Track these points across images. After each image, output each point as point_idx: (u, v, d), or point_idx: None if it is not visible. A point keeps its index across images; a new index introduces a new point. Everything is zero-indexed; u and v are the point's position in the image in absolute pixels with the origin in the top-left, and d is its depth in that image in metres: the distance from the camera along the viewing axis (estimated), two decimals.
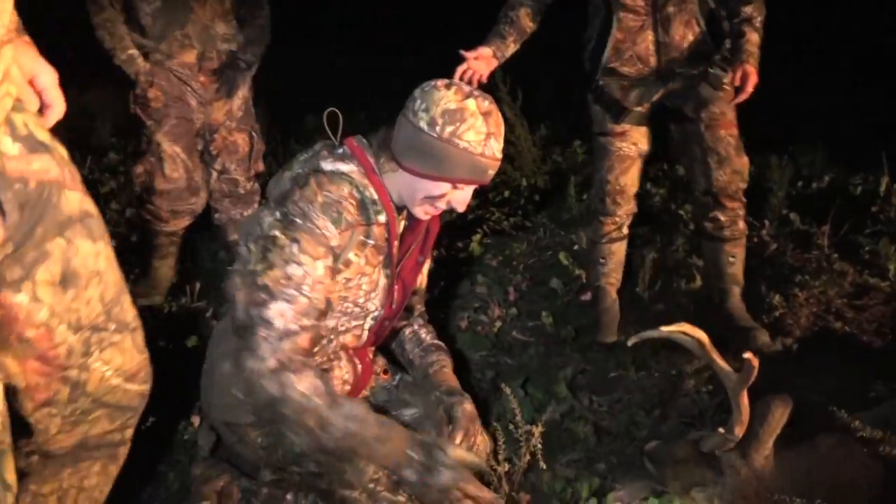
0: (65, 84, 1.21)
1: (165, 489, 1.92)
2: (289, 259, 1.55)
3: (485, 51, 2.36)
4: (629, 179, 2.52)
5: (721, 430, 1.62)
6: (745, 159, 2.44)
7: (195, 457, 1.95)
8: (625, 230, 2.66)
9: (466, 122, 1.57)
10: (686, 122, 2.42)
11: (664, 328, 1.62)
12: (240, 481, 1.81)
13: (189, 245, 3.02)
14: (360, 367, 1.85)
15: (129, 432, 1.41)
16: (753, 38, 2.18)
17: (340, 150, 1.70)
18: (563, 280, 2.90)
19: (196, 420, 2.07)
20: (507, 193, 4.07)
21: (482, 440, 1.81)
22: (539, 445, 1.84)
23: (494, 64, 2.40)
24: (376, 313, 1.80)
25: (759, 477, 1.61)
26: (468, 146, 1.57)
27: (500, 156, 1.64)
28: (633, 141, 2.47)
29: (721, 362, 1.63)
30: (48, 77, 1.15)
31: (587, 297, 2.82)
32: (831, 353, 2.32)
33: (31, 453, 1.30)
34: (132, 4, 2.63)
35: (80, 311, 1.19)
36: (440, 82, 1.62)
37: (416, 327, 2.03)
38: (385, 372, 1.99)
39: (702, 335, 1.63)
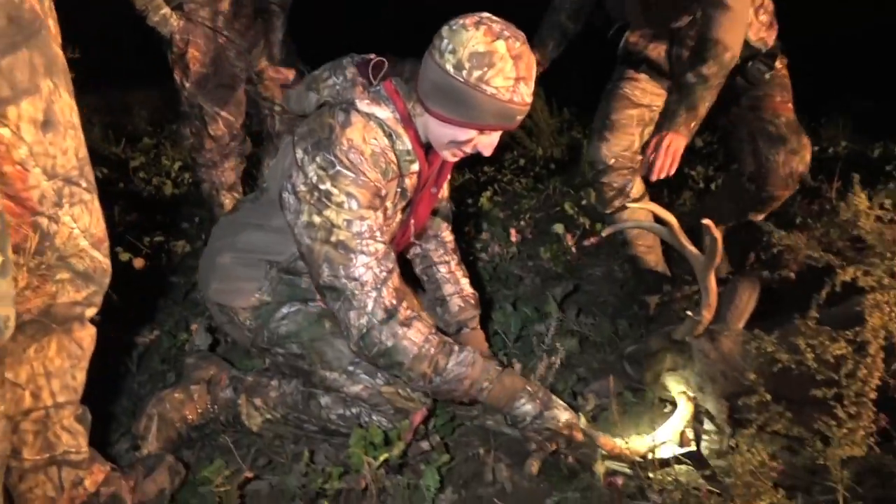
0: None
1: (163, 385, 2.01)
2: (352, 217, 1.56)
3: None
4: (622, 117, 2.27)
5: (689, 313, 1.65)
6: (806, 140, 2.23)
7: (191, 353, 2.05)
8: (633, 194, 2.22)
9: (495, 66, 1.47)
10: (732, 106, 2.28)
11: (631, 204, 1.65)
12: (228, 371, 1.90)
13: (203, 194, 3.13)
14: None
15: (92, 312, 1.43)
16: (684, 107, 1.97)
17: (376, 90, 1.65)
18: (567, 225, 2.92)
19: (195, 327, 2.16)
20: (522, 162, 4.13)
21: None
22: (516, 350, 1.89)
23: (539, 69, 2.39)
24: None
25: (726, 359, 1.62)
26: (496, 92, 1.49)
27: (529, 100, 1.55)
28: (642, 89, 2.28)
29: (689, 245, 1.65)
30: None
31: (591, 241, 2.85)
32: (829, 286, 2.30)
33: None
34: None
35: (57, 158, 1.26)
36: (469, 20, 1.50)
37: (452, 266, 2.02)
38: None
39: (670, 217, 1.66)
